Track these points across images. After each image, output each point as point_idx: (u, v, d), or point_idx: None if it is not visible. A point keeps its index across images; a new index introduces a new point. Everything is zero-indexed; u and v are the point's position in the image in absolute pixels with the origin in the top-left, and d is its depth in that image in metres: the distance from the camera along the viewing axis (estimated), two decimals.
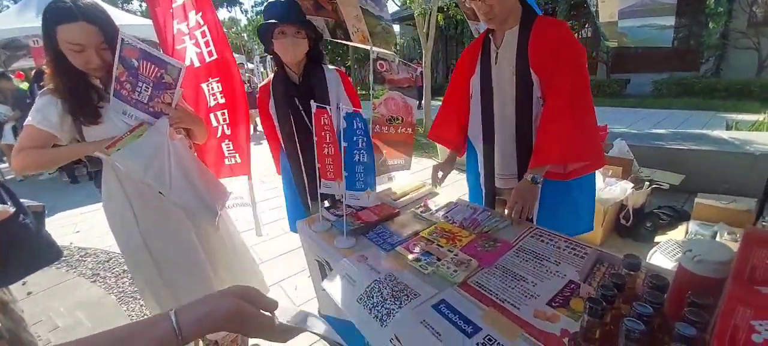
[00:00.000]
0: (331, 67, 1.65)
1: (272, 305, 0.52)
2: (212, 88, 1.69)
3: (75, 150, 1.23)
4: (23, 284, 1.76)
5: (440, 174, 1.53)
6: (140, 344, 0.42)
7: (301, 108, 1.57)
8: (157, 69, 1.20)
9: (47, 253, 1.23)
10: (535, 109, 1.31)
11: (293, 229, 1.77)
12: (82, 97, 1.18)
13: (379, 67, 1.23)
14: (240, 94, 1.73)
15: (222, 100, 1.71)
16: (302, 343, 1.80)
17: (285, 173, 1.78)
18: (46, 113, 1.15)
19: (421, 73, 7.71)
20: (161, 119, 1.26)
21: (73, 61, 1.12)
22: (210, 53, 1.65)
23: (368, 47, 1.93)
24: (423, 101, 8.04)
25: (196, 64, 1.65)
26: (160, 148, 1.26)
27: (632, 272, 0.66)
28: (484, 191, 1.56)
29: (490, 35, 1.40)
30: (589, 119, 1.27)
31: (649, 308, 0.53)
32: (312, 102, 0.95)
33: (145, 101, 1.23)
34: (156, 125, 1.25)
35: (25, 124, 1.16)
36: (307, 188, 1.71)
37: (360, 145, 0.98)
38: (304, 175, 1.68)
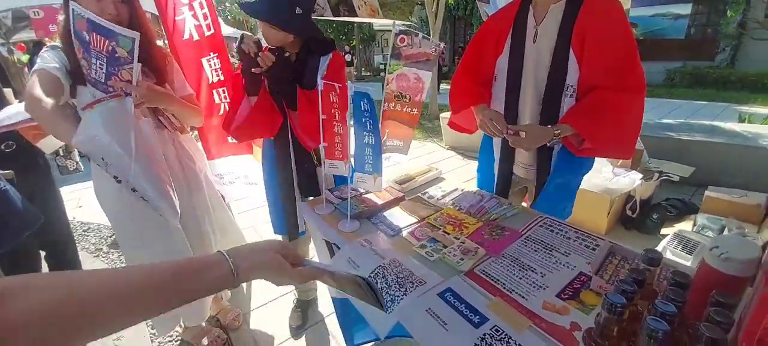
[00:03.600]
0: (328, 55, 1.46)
1: (300, 260, 0.61)
2: (213, 63, 1.64)
3: (65, 133, 1.13)
4: None
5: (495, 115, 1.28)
6: (204, 282, 0.47)
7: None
8: (106, 41, 1.02)
9: (30, 217, 1.22)
10: (564, 100, 1.19)
11: (278, 230, 1.61)
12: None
13: (399, 42, 1.16)
14: (231, 71, 1.69)
15: (222, 77, 1.68)
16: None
17: (269, 165, 1.56)
18: (53, 59, 1.13)
19: (444, 50, 7.58)
20: (126, 100, 1.12)
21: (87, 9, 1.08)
22: (208, 27, 1.60)
23: (387, 22, 1.84)
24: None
25: (196, 37, 1.60)
26: (121, 131, 1.12)
27: (651, 268, 0.63)
28: (497, 178, 1.44)
29: (530, 6, 1.23)
30: (638, 120, 1.18)
31: (672, 306, 0.50)
32: (319, 78, 0.91)
33: (103, 80, 1.07)
34: (120, 106, 1.11)
35: (34, 70, 1.10)
36: (296, 182, 1.52)
37: (368, 127, 0.94)
38: (294, 164, 1.49)
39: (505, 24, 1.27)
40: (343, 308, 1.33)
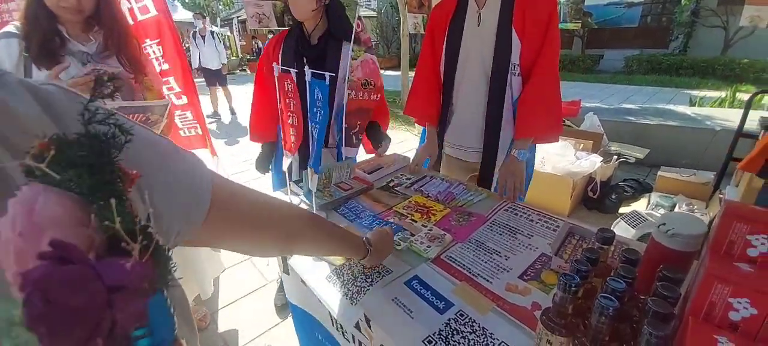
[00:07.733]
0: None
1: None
2: (153, 51, 1.50)
3: None
4: None
5: (429, 159, 1.42)
6: (350, 252, 0.73)
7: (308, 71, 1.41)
8: (141, 116, 1.13)
9: None
10: (510, 78, 1.25)
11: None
12: (46, 41, 1.08)
13: (356, 27, 1.14)
14: (184, 59, 1.57)
15: (165, 66, 1.53)
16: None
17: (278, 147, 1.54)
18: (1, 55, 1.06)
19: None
20: None
21: None
22: (142, 9, 1.45)
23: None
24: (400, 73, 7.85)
25: (130, 22, 1.47)
26: None
27: (605, 246, 0.64)
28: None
29: None
30: (559, 92, 1.27)
31: (622, 283, 0.52)
32: (274, 65, 0.86)
33: None
34: None
35: None
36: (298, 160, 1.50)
37: (317, 118, 0.91)
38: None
39: (448, 11, 1.33)
40: (301, 317, 1.28)
